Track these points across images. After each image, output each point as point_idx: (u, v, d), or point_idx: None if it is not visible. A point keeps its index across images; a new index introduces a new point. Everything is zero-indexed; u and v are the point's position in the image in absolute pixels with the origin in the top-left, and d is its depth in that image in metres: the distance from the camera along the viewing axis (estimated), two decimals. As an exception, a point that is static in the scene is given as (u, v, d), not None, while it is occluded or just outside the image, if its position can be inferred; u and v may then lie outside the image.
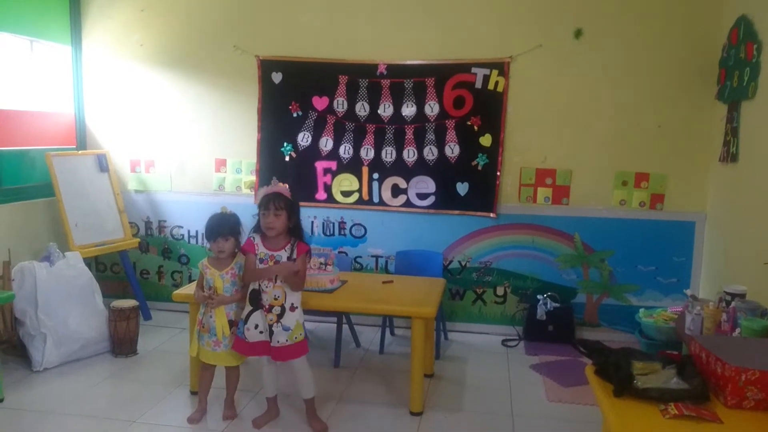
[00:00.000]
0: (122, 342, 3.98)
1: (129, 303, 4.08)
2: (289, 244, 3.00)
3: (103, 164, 4.74)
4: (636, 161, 4.31)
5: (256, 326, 2.98)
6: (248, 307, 3.01)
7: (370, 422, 3.19)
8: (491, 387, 3.67)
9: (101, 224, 4.60)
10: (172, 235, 4.96)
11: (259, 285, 2.97)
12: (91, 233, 4.49)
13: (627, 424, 1.79)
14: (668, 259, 4.35)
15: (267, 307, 2.97)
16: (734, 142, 3.70)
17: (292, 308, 3.00)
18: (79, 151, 4.83)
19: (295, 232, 3.04)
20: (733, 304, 2.78)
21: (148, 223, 4.98)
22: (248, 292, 3.01)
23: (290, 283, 2.97)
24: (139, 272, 5.01)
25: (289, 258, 2.98)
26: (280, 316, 2.97)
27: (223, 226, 3.08)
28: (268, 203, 2.95)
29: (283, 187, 3.03)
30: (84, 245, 4.37)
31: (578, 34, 4.24)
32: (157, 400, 3.38)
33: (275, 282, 2.97)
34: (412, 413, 3.26)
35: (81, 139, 4.95)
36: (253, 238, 3.02)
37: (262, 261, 2.98)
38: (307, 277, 3.38)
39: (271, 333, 2.97)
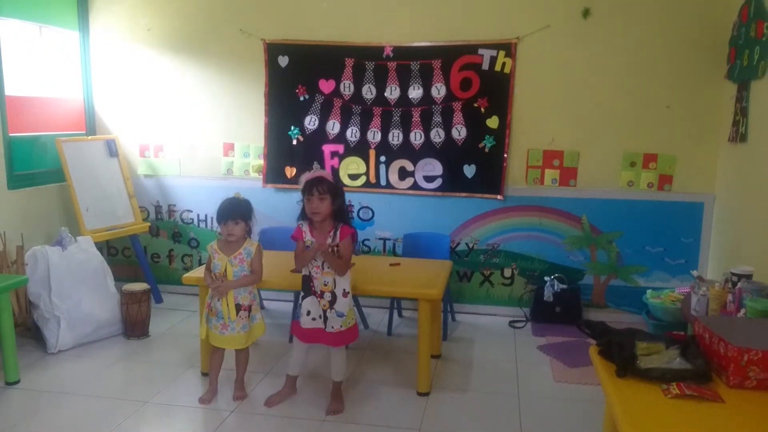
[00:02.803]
0: (134, 324, 4.05)
1: (140, 286, 4.14)
2: (334, 229, 3.02)
3: (112, 149, 4.79)
4: (644, 142, 4.28)
5: (308, 312, 3.04)
6: (301, 293, 3.09)
7: (378, 402, 3.23)
8: (498, 368, 3.70)
9: (112, 209, 4.66)
10: (182, 219, 5.01)
11: (310, 272, 3.03)
12: (102, 218, 4.55)
13: (628, 403, 1.81)
14: (676, 240, 4.34)
15: (319, 293, 3.02)
16: (744, 122, 3.66)
17: (344, 294, 3.05)
18: (89, 137, 4.87)
19: (339, 216, 3.05)
20: (739, 285, 2.78)
21: (157, 208, 5.03)
22: (301, 279, 3.08)
23: (332, 265, 2.99)
24: (150, 256, 5.07)
25: (333, 243, 3.00)
26: (332, 302, 3.02)
27: (234, 209, 3.11)
28: (311, 188, 2.96)
29: (325, 172, 3.06)
30: (95, 230, 4.43)
31: (586, 13, 4.20)
32: (168, 381, 3.44)
33: (323, 268, 3.01)
34: (420, 393, 3.31)
35: (90, 125, 4.99)
36: (302, 225, 3.05)
37: (308, 248, 3.01)
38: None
39: (326, 319, 3.03)
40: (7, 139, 4.15)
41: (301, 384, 3.34)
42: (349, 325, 3.10)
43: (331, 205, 2.99)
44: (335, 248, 3.01)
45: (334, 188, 3.01)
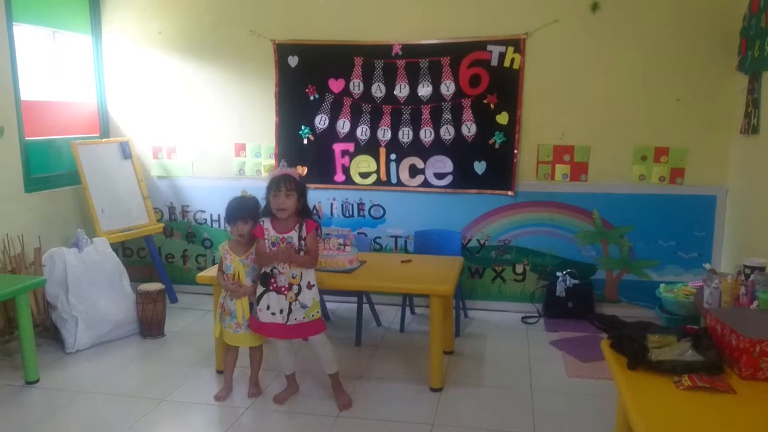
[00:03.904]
0: (150, 324, 4.11)
1: (155, 286, 4.19)
2: (298, 224, 3.07)
3: (126, 151, 4.85)
4: (655, 135, 4.27)
5: (268, 307, 3.06)
6: (260, 288, 3.09)
7: (391, 398, 3.26)
8: (511, 363, 3.71)
9: (126, 210, 4.72)
10: (195, 220, 5.06)
11: (272, 268, 3.04)
12: (117, 219, 4.61)
13: (640, 395, 1.82)
14: (689, 233, 4.32)
15: (286, 286, 3.03)
16: (755, 114, 3.64)
17: (309, 286, 3.07)
18: (103, 139, 4.93)
19: (303, 213, 3.10)
20: (752, 277, 2.77)
21: (171, 209, 5.09)
22: (261, 274, 3.09)
23: (301, 265, 3.04)
24: (165, 256, 5.13)
25: (299, 237, 3.04)
26: (298, 294, 3.05)
27: (242, 209, 3.14)
28: (279, 184, 3.00)
29: (292, 170, 3.09)
30: (110, 231, 4.49)
31: (595, 7, 4.19)
32: (184, 379, 3.49)
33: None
34: (433, 389, 3.33)
35: (104, 128, 5.05)
36: (263, 222, 3.08)
37: (274, 244, 3.04)
38: (327, 258, 3.45)
39: (290, 312, 3.05)
40: (23, 143, 4.22)
41: (315, 381, 3.37)
42: (314, 318, 3.09)
43: (297, 203, 3.04)
44: (303, 242, 3.05)
45: (301, 186, 3.06)
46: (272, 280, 3.05)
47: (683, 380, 1.86)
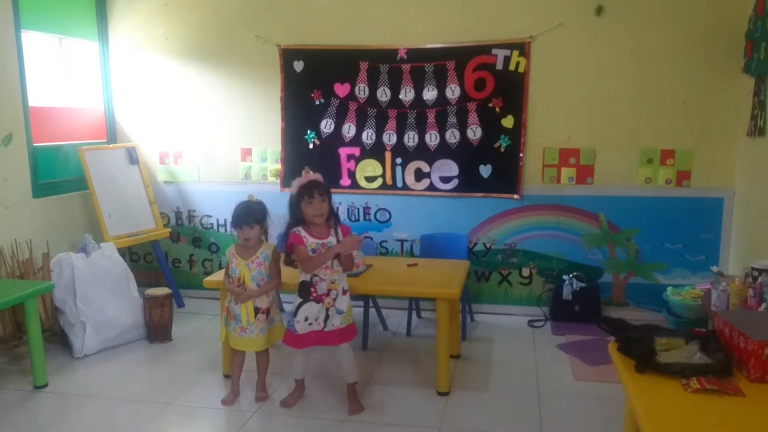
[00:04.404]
0: (157, 328, 4.12)
1: (162, 291, 4.21)
2: (332, 229, 3.06)
3: (133, 157, 4.87)
4: (661, 138, 4.26)
5: (306, 318, 3.03)
6: (297, 300, 3.05)
7: (398, 402, 3.26)
8: (518, 367, 3.70)
9: (133, 215, 4.74)
10: (202, 225, 5.08)
11: (311, 277, 3.01)
12: (124, 224, 4.63)
13: (648, 398, 1.81)
14: (696, 236, 4.30)
15: (326, 293, 3.02)
16: (762, 116, 3.63)
17: (344, 291, 3.08)
18: (110, 145, 4.96)
19: (333, 217, 3.10)
20: (760, 279, 2.76)
21: (178, 213, 5.11)
22: (298, 285, 3.05)
23: (347, 264, 3.04)
24: (171, 261, 5.15)
25: (337, 242, 3.03)
26: (335, 299, 3.05)
27: (248, 214, 3.14)
28: (312, 191, 2.97)
29: (318, 175, 3.08)
30: (118, 236, 4.52)
31: (600, 11, 4.19)
32: (192, 384, 3.50)
33: (332, 267, 3.03)
34: (439, 393, 3.32)
35: (111, 133, 5.08)
36: (298, 231, 3.02)
37: (314, 251, 3.01)
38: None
39: (327, 317, 3.03)
40: (31, 149, 4.25)
41: (321, 385, 3.37)
42: (349, 323, 3.11)
43: (328, 207, 3.04)
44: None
45: (329, 190, 3.07)
46: (313, 289, 3.02)
47: (691, 383, 1.86)
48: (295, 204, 3.03)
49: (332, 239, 3.03)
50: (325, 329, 3.05)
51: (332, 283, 3.04)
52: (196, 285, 4.92)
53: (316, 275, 3.00)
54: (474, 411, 3.16)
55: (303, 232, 3.01)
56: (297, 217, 3.04)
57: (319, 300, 3.02)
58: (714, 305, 2.87)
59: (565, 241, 4.48)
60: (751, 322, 2.09)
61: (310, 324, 3.04)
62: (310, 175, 3.05)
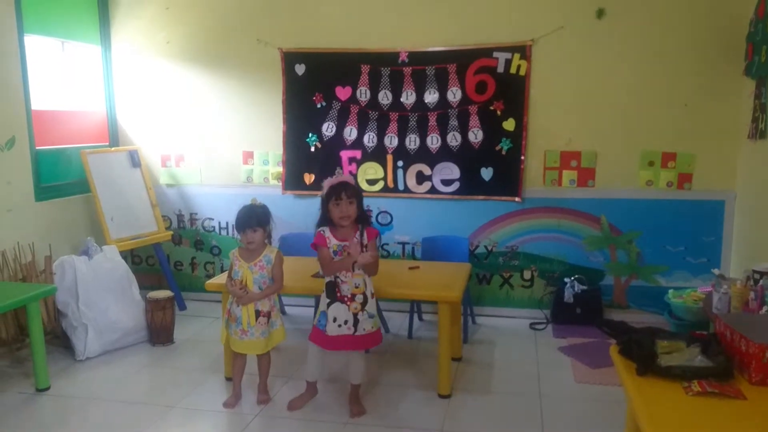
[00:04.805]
0: (159, 331, 4.12)
1: (164, 294, 4.21)
2: (358, 232, 3.05)
3: (135, 160, 4.89)
4: (662, 141, 4.26)
5: (335, 319, 3.01)
6: (325, 300, 3.05)
7: (399, 405, 3.26)
8: (519, 369, 3.71)
9: (135, 218, 4.75)
10: (204, 227, 5.09)
11: (335, 277, 3.01)
12: (126, 227, 4.65)
13: (650, 401, 1.81)
14: (697, 239, 4.31)
15: (349, 296, 3.01)
16: (763, 119, 3.63)
17: (372, 295, 3.08)
18: (112, 148, 4.97)
19: (362, 219, 3.08)
20: (761, 282, 2.76)
21: (180, 216, 5.12)
22: (324, 285, 3.06)
23: (368, 268, 3.02)
24: (173, 264, 5.15)
25: (361, 244, 3.01)
26: (364, 304, 3.03)
27: (251, 217, 3.15)
28: (340, 192, 2.97)
29: (349, 176, 3.07)
30: (120, 239, 4.53)
31: (600, 13, 4.20)
32: (193, 387, 3.50)
33: (353, 271, 3.01)
34: (441, 396, 3.32)
35: (113, 136, 5.10)
36: (323, 231, 3.03)
37: (336, 253, 3.01)
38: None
39: (356, 322, 3.02)
40: (34, 152, 4.27)
41: (322, 388, 3.38)
42: (377, 327, 3.12)
43: (357, 209, 3.02)
44: (365, 249, 3.02)
45: (359, 192, 3.05)
46: (338, 290, 3.01)
47: (693, 386, 1.86)
48: (323, 204, 3.04)
49: (355, 242, 3.01)
50: (356, 333, 3.03)
51: (356, 287, 3.02)
52: (197, 288, 4.93)
53: (338, 277, 3.01)
54: (475, 414, 3.16)
55: (328, 233, 3.02)
56: (325, 217, 3.05)
57: (343, 301, 3.01)
58: (715, 308, 2.87)
59: (566, 243, 4.49)
60: (753, 325, 2.10)
61: (339, 326, 3.02)
62: (341, 176, 3.04)
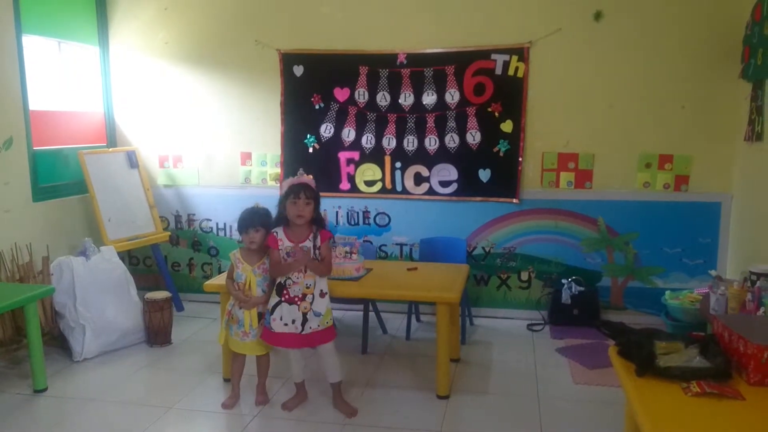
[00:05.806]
0: (157, 332, 4.12)
1: (162, 294, 4.21)
2: (312, 233, 3.09)
3: (132, 161, 4.88)
4: (660, 143, 4.28)
5: (281, 318, 3.07)
6: (274, 298, 3.10)
7: (398, 406, 3.26)
8: (517, 370, 3.71)
9: (133, 219, 4.75)
10: (201, 228, 5.08)
11: (285, 279, 3.06)
12: (123, 228, 4.64)
13: (649, 402, 1.82)
14: (694, 240, 4.32)
15: (300, 296, 3.05)
16: (759, 121, 3.65)
17: (322, 294, 3.10)
18: (110, 149, 4.97)
19: (317, 222, 3.14)
20: (758, 283, 2.78)
21: (177, 217, 5.11)
22: (275, 286, 3.10)
23: (316, 271, 3.06)
24: (171, 265, 5.14)
25: (314, 246, 3.07)
26: (312, 303, 3.07)
27: (253, 217, 3.18)
28: (299, 192, 3.03)
29: (309, 179, 3.12)
30: (117, 240, 4.52)
31: (598, 16, 4.22)
32: (191, 388, 3.50)
33: (305, 272, 3.05)
34: (439, 397, 3.33)
35: (111, 137, 5.09)
36: (276, 233, 3.09)
37: (288, 254, 3.05)
38: (333, 265, 3.46)
39: (305, 321, 3.06)
40: (31, 152, 4.25)
41: (322, 389, 3.38)
42: (327, 325, 3.13)
43: (312, 211, 3.06)
44: (317, 251, 3.08)
45: (317, 195, 3.10)
46: (285, 291, 3.06)
47: (692, 386, 1.87)
48: (281, 202, 3.10)
49: (308, 243, 3.07)
50: (303, 332, 3.07)
51: (307, 287, 3.06)
52: (195, 289, 4.92)
53: (289, 278, 3.05)
54: (474, 414, 3.17)
55: (280, 234, 3.08)
56: (281, 216, 3.11)
57: (291, 302, 3.05)
58: (713, 309, 2.88)
59: (563, 245, 4.50)
60: (750, 325, 2.11)
61: (285, 324, 3.06)
62: (301, 177, 3.10)
